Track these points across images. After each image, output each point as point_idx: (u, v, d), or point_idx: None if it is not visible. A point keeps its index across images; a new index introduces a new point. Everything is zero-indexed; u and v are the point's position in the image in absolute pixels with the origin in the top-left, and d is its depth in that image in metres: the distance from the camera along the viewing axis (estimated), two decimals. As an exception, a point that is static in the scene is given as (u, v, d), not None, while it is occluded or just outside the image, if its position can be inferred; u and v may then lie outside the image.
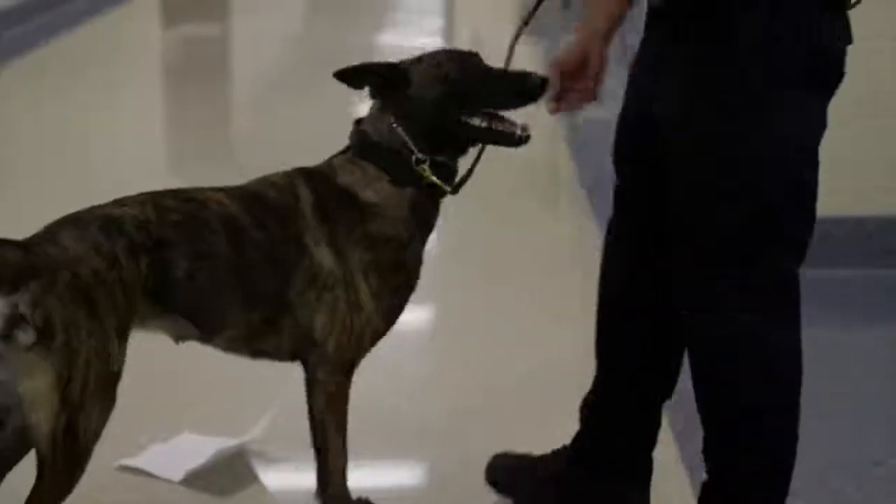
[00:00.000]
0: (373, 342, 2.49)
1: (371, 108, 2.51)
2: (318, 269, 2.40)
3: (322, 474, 2.56)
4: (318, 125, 6.48)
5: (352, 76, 2.44)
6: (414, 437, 3.11)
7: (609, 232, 2.63)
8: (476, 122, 2.44)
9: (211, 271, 2.35)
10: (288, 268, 2.39)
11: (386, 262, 2.43)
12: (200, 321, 2.40)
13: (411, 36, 8.93)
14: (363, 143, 2.48)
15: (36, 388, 2.12)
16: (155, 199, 2.35)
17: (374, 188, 2.44)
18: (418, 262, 2.52)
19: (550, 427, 2.98)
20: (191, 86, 7.49)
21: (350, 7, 10.57)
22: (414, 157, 2.43)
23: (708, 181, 2.30)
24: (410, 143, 2.43)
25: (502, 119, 2.45)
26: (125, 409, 2.81)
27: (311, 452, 3.05)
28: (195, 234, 2.34)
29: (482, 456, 2.91)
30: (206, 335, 2.44)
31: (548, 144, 5.86)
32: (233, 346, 2.48)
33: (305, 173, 2.47)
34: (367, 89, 2.47)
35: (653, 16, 2.42)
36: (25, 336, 2.10)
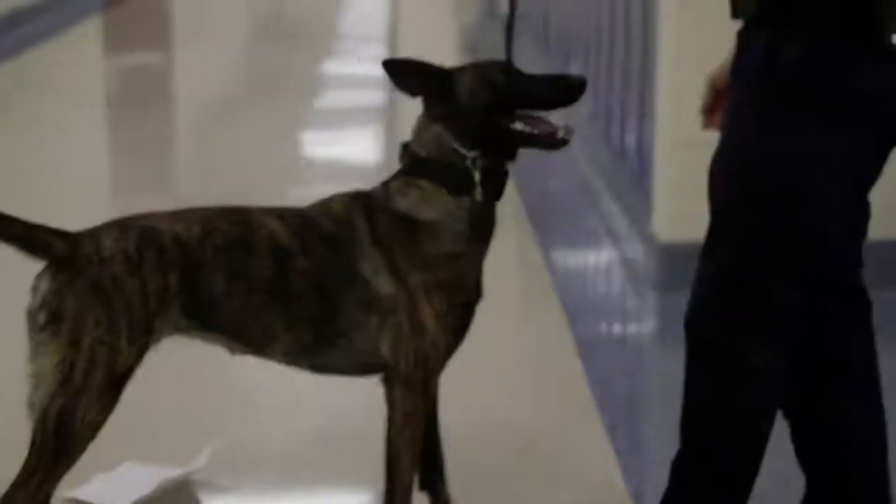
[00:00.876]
0: (443, 360, 2.52)
1: (414, 128, 2.55)
2: (375, 297, 2.44)
3: (389, 494, 2.55)
4: (261, 152, 6.48)
5: (401, 70, 2.50)
6: (367, 461, 3.11)
7: None
8: (520, 126, 2.49)
9: (249, 294, 2.42)
10: (338, 294, 2.44)
11: (447, 280, 2.46)
12: (245, 340, 2.47)
13: (354, 63, 8.96)
14: (414, 161, 2.51)
15: (42, 366, 2.33)
16: (207, 219, 2.44)
17: (431, 205, 2.48)
18: (479, 275, 2.55)
19: (492, 442, 2.99)
20: (133, 113, 7.46)
21: (292, 35, 10.58)
22: (468, 160, 2.46)
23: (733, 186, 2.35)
24: (460, 147, 2.47)
25: (545, 122, 2.51)
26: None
27: (255, 480, 3.05)
28: (235, 258, 2.41)
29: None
30: (255, 351, 2.51)
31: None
32: (289, 360, 2.53)
33: (364, 202, 2.50)
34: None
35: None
36: (41, 317, 2.32)
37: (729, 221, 2.36)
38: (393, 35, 10.87)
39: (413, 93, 2.51)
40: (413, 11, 12.06)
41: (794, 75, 2.27)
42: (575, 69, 6.42)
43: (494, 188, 2.50)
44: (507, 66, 2.52)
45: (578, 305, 4.23)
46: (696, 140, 4.23)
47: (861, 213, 2.39)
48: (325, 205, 2.51)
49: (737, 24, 2.44)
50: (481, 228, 2.51)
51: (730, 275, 2.37)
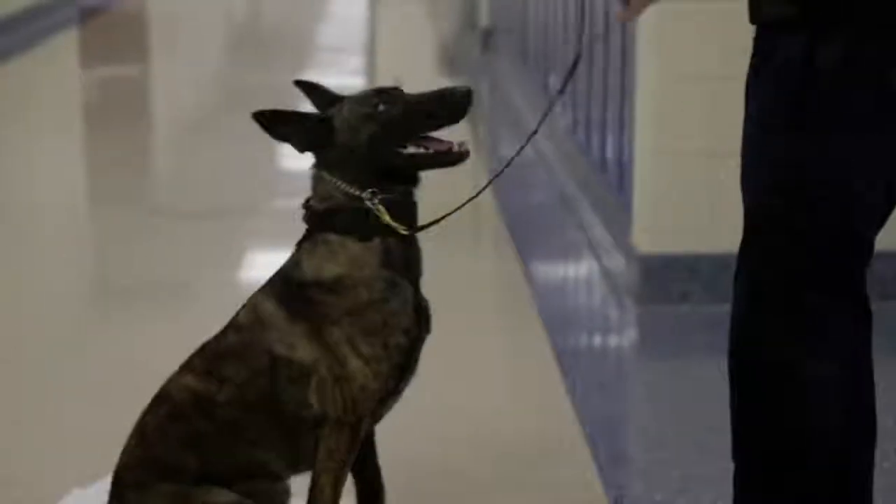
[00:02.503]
0: (375, 402, 2.44)
1: (311, 181, 2.45)
2: (299, 368, 2.39)
3: None
4: (238, 166, 6.47)
5: (271, 120, 2.39)
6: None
7: None
8: (413, 150, 2.40)
9: (209, 448, 2.42)
10: (270, 394, 2.41)
11: (371, 325, 2.39)
12: (256, 474, 2.46)
13: (333, 76, 8.95)
14: (314, 218, 2.43)
15: None
16: (140, 425, 2.47)
17: (336, 260, 2.39)
18: (419, 308, 2.47)
19: (472, 454, 2.98)
20: (109, 126, 7.44)
21: (271, 47, 10.57)
22: (365, 201, 2.38)
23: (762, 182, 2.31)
24: (353, 190, 2.38)
25: (437, 140, 2.41)
26: (46, 455, 2.76)
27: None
28: (174, 430, 2.43)
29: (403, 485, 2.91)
30: (272, 476, 2.49)
31: (469, 181, 5.88)
32: (300, 469, 2.50)
33: (275, 286, 2.43)
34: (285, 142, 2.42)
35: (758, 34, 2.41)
36: None
37: (769, 225, 2.30)
38: (371, 47, 10.87)
39: (292, 144, 2.42)
40: (391, 23, 12.08)
41: (835, 77, 2.22)
42: (554, 82, 6.43)
43: (405, 219, 2.42)
44: (386, 91, 2.43)
45: (558, 317, 4.23)
46: (675, 151, 4.28)
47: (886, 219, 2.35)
48: (236, 317, 2.46)
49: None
50: (402, 262, 2.43)
51: (767, 279, 2.31)
